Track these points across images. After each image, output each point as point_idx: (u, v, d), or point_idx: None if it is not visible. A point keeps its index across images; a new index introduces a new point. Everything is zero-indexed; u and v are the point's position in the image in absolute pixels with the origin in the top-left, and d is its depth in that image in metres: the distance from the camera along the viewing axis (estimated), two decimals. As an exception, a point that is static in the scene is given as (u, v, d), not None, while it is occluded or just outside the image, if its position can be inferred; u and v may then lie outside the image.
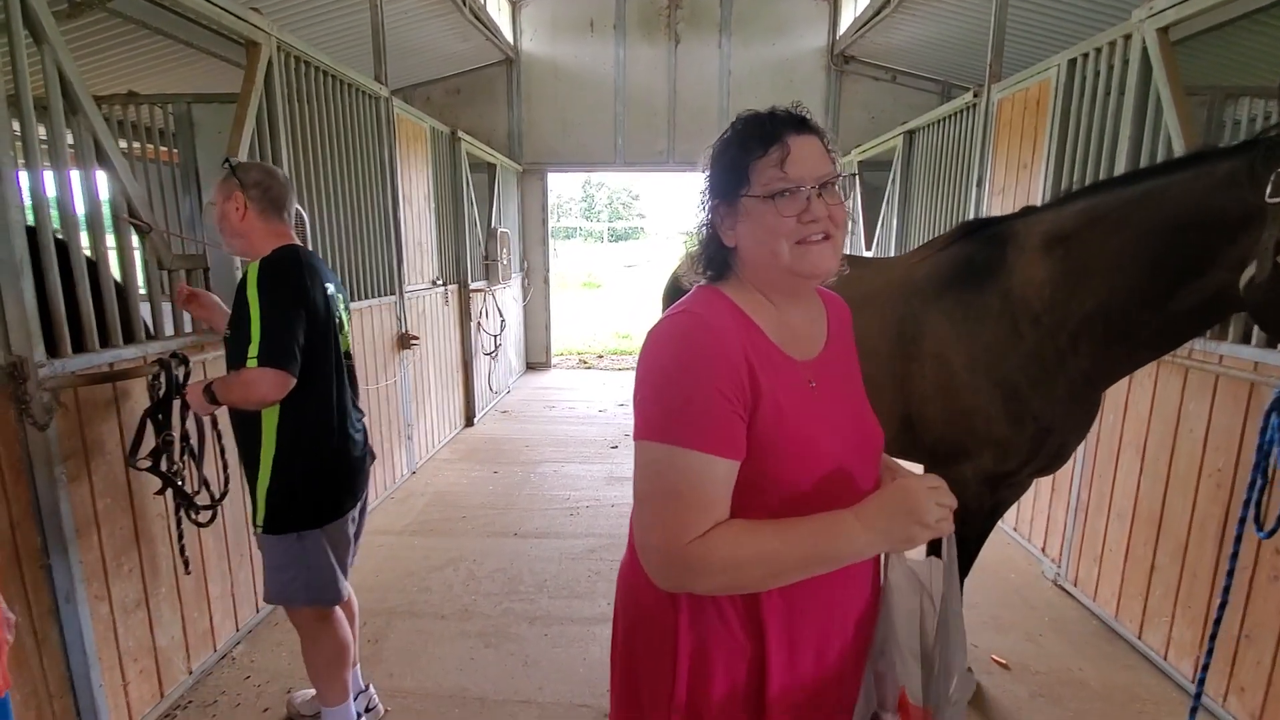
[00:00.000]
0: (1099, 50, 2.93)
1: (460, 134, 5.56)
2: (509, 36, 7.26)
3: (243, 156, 2.68)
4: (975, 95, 4.03)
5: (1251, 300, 1.31)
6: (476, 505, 4.06)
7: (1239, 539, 1.90)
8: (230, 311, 1.78)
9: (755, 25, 7.30)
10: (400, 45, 5.79)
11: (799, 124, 0.92)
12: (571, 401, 6.78)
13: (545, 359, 8.48)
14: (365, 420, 2.08)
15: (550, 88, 7.55)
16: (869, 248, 6.12)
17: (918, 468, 1.79)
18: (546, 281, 8.28)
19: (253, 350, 1.66)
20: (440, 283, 5.25)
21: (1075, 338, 1.67)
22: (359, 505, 2.02)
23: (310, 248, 3.13)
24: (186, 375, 2.05)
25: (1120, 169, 2.78)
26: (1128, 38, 2.72)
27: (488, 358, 6.29)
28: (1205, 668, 1.72)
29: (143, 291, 2.40)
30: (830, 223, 0.90)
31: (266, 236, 1.84)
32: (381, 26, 4.26)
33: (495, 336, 6.46)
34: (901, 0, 5.46)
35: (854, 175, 6.31)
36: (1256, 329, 2.14)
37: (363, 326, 3.87)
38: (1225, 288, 1.37)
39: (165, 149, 4.10)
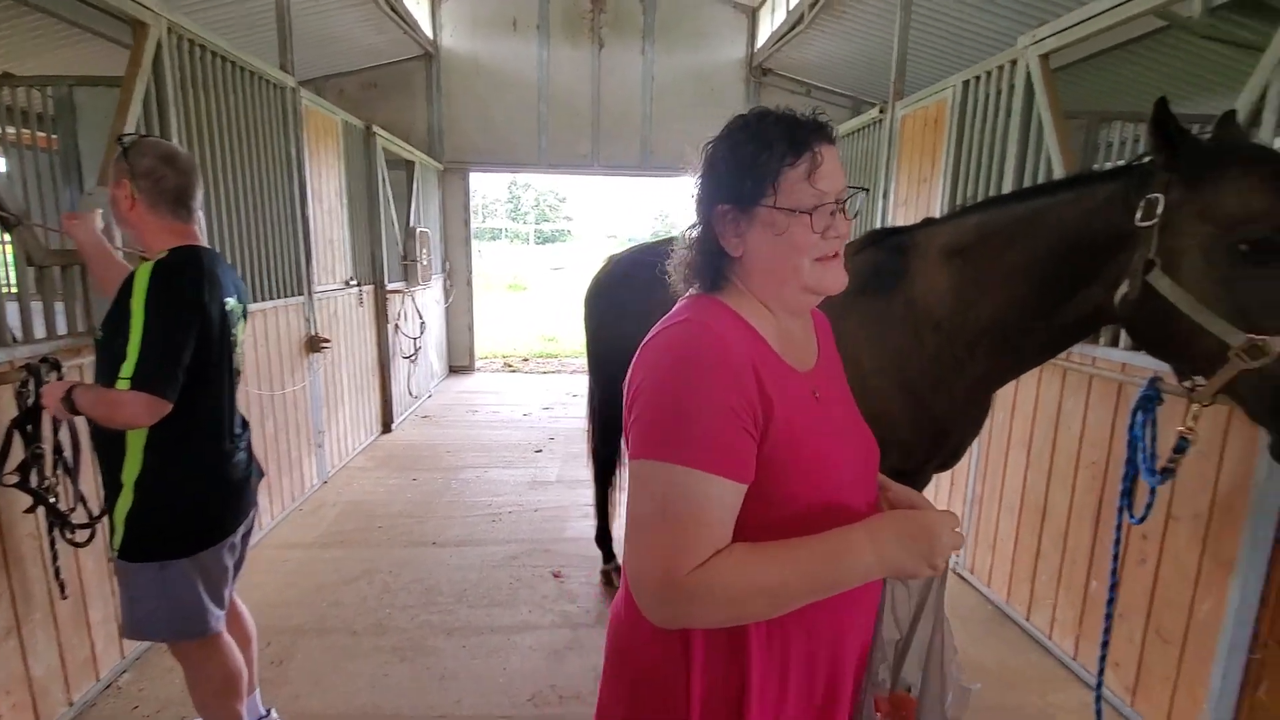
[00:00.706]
0: (989, 73, 3.15)
1: (375, 129, 5.36)
2: (428, 31, 7.06)
3: (128, 145, 2.47)
4: (881, 111, 4.25)
5: (1124, 316, 1.42)
6: (393, 514, 3.92)
7: (1119, 526, 2.09)
8: (113, 301, 1.58)
9: (677, 33, 7.41)
10: (310, 34, 5.53)
11: (826, 133, 0.88)
12: (495, 406, 6.66)
13: (469, 362, 8.29)
14: (250, 435, 1.90)
15: (472, 85, 7.40)
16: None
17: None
18: (470, 283, 8.10)
19: (126, 369, 1.47)
20: (354, 283, 5.03)
21: (972, 345, 1.77)
22: (242, 530, 1.84)
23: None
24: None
25: (1008, 185, 3.00)
26: (1014, 63, 2.94)
27: (407, 361, 6.09)
28: (1103, 657, 1.87)
29: (12, 290, 2.19)
30: (841, 240, 0.89)
31: (159, 233, 1.63)
32: (288, 12, 4.06)
33: (415, 339, 6.25)
34: (814, 18, 5.69)
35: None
36: (1124, 332, 2.36)
37: (266, 329, 3.66)
38: (1104, 303, 1.47)
39: (44, 135, 3.75)
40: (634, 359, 0.88)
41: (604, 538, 3.25)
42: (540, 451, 5.17)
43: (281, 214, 3.89)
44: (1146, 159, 1.41)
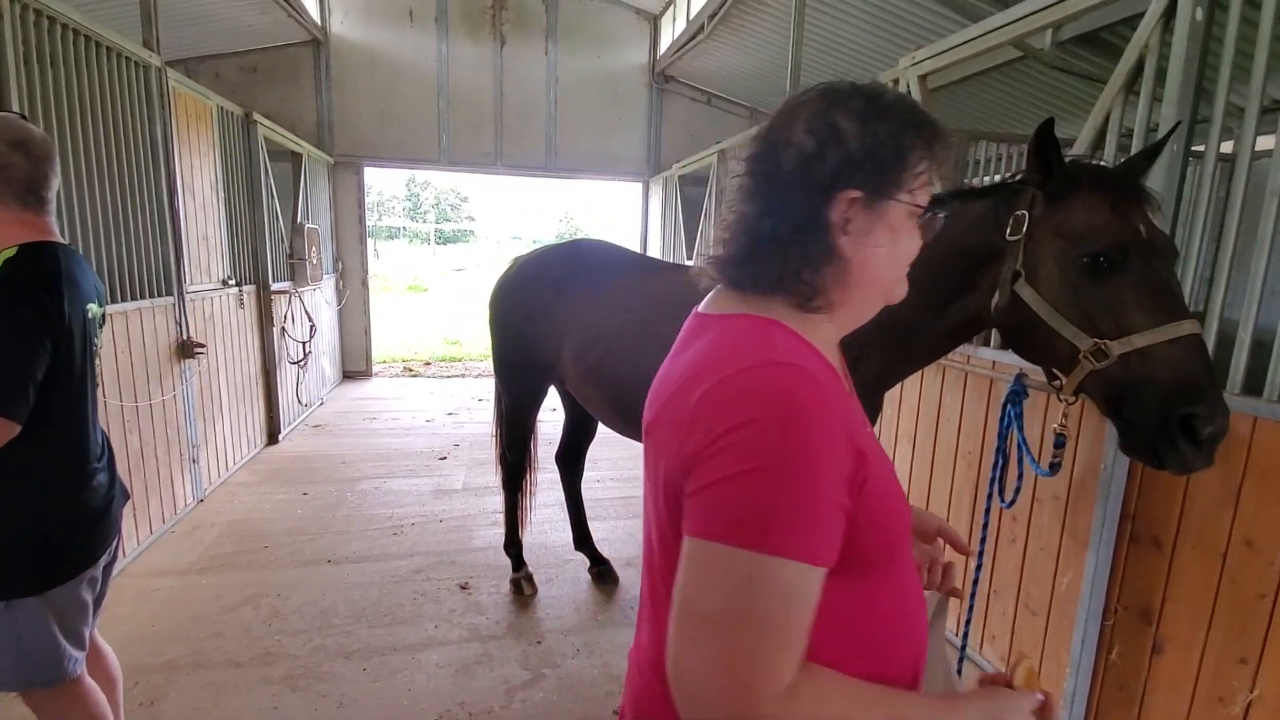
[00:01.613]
0: (877, 91, 3.36)
1: (256, 116, 4.98)
2: (315, 16, 6.66)
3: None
4: (780, 111, 4.43)
5: (997, 321, 1.56)
6: (281, 532, 3.65)
7: (988, 510, 2.28)
8: None
9: (580, 35, 7.40)
10: (180, 9, 5.06)
11: (944, 133, 0.77)
12: (395, 412, 6.36)
13: (365, 367, 7.87)
14: (112, 454, 1.70)
15: (366, 76, 7.05)
16: (689, 257, 6.46)
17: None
18: (365, 284, 7.70)
19: None
20: (233, 283, 4.66)
21: (867, 345, 1.88)
22: (103, 561, 1.62)
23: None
24: None
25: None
26: (896, 81, 3.15)
27: (295, 367, 5.70)
28: (968, 622, 2.03)
29: None
30: None
31: (6, 225, 1.42)
32: (153, -14, 3.69)
33: (304, 343, 5.86)
34: (713, 29, 5.85)
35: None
36: (994, 333, 2.58)
37: (129, 332, 3.31)
38: (981, 309, 1.60)
39: None
40: (692, 401, 0.68)
41: (513, 544, 3.18)
42: (444, 459, 4.99)
43: (146, 206, 3.54)
44: (1016, 178, 1.55)
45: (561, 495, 3.38)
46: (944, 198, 1.77)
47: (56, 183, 1.52)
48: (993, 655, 2.53)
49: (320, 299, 6.53)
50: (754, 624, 0.62)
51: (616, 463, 4.94)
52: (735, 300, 0.77)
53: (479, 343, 10.60)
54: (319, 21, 6.74)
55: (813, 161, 0.70)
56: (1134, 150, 2.01)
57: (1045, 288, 1.42)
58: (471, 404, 6.82)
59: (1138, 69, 1.98)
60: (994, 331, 2.52)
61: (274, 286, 5.24)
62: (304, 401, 5.95)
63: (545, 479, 3.79)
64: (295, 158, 6.07)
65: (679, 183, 6.76)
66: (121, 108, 3.31)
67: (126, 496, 1.72)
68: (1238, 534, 1.74)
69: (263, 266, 5.11)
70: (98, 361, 1.63)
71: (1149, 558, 1.97)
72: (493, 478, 3.37)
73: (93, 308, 1.55)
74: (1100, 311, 1.36)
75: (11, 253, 1.39)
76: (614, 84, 7.56)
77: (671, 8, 7.09)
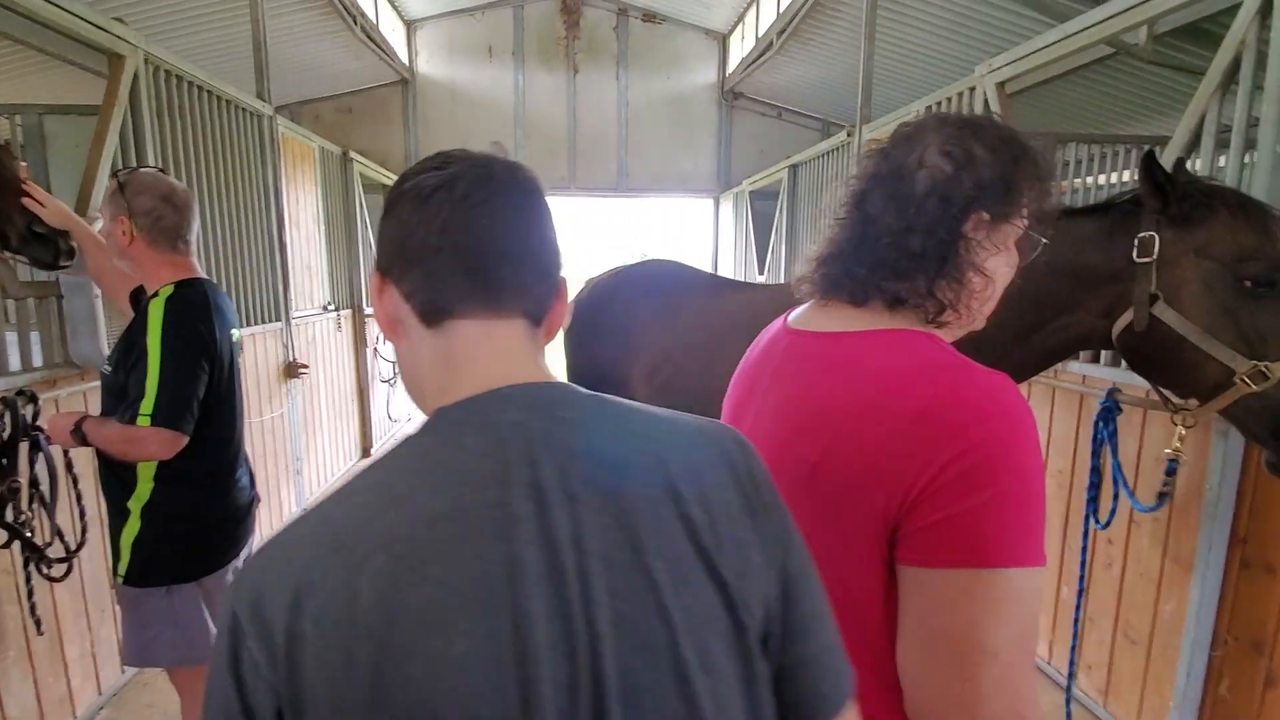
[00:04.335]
0: (950, 99, 3.29)
1: (352, 154, 5.39)
2: (404, 57, 7.13)
3: (103, 176, 2.48)
4: (849, 134, 4.39)
5: (1127, 344, 1.50)
6: (374, 540, 3.88)
7: (1086, 533, 2.17)
8: (121, 336, 1.63)
9: (651, 59, 7.57)
10: (286, 61, 5.56)
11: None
12: (475, 428, 6.61)
13: (447, 385, 8.24)
14: (251, 462, 1.95)
15: (447, 110, 7.47)
16: (761, 273, 6.44)
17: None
18: (447, 306, 8.07)
19: (146, 406, 1.51)
20: (332, 307, 5.02)
21: None
22: (243, 555, 1.87)
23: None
24: (35, 415, 1.86)
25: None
26: (973, 89, 3.08)
27: (385, 385, 6.05)
28: (1073, 649, 1.92)
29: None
30: None
31: (160, 267, 1.66)
32: (264, 42, 4.09)
33: (394, 363, 6.23)
34: (782, 45, 5.87)
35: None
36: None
37: (245, 355, 3.64)
38: (1087, 330, 1.56)
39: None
40: (901, 426, 0.65)
41: None
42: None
43: (259, 240, 3.89)
44: (1125, 198, 1.52)
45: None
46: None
47: (197, 226, 1.76)
48: (1089, 687, 2.38)
49: (408, 321, 6.91)
50: (1027, 639, 0.63)
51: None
52: (863, 316, 0.77)
53: (557, 363, 10.85)
54: (406, 62, 7.22)
55: (950, 184, 0.74)
56: (1232, 147, 1.90)
57: (1192, 310, 1.39)
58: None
59: (1235, 65, 1.88)
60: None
61: (368, 311, 5.60)
62: (393, 418, 6.31)
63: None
64: (386, 190, 6.48)
65: (749, 198, 6.77)
66: (238, 153, 3.67)
67: (259, 500, 1.96)
68: (1367, 561, 1.59)
69: (357, 292, 5.48)
70: (241, 379, 1.86)
71: (1262, 584, 1.82)
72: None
73: (235, 333, 1.79)
74: (1258, 333, 1.34)
75: (170, 291, 1.62)
76: (683, 103, 7.68)
77: (740, 26, 7.15)
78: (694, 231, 8.70)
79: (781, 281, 3.00)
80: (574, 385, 0.62)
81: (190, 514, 1.69)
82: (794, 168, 5.54)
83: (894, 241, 0.75)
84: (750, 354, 0.92)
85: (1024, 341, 1.67)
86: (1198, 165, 1.95)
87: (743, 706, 0.54)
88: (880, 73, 4.95)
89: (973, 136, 0.76)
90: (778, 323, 0.91)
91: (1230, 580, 1.89)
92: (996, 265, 0.77)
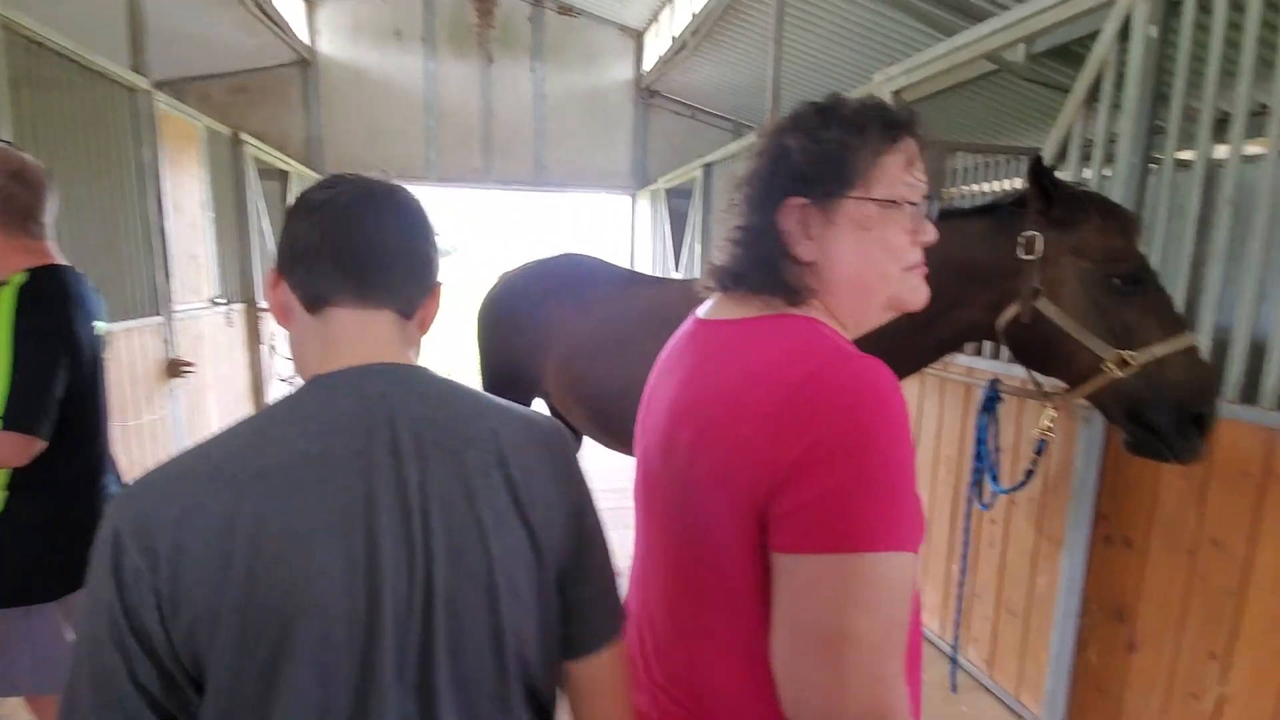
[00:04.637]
0: (853, 105, 3.43)
1: (244, 136, 5.03)
2: (304, 36, 6.73)
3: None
4: (759, 135, 4.50)
5: (1011, 336, 1.62)
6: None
7: (969, 515, 2.32)
8: None
9: (567, 53, 7.50)
10: (169, 33, 5.10)
11: (918, 125, 0.77)
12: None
13: (353, 383, 7.86)
14: (119, 469, 1.78)
15: (354, 95, 7.11)
16: (677, 270, 6.53)
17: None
18: (353, 300, 7.71)
19: None
20: (222, 301, 4.67)
21: None
22: None
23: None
24: None
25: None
26: (871, 96, 3.23)
27: (285, 385, 5.70)
28: (956, 624, 2.05)
29: None
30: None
31: (11, 252, 1.48)
32: (141, 9, 3.74)
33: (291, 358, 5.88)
34: (697, 45, 5.96)
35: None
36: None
37: (118, 352, 3.32)
38: (976, 322, 1.67)
39: None
40: (773, 408, 0.65)
41: None
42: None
43: (134, 226, 3.56)
44: (1009, 200, 1.63)
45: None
46: (934, 211, 1.83)
47: (55, 207, 1.58)
48: (976, 658, 2.56)
49: (310, 316, 6.54)
50: (894, 628, 0.61)
51: (604, 473, 4.95)
52: (753, 303, 0.77)
53: (468, 357, 10.59)
54: (307, 42, 6.81)
55: (764, 175, 0.77)
56: (1095, 159, 2.08)
57: (1069, 304, 1.52)
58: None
59: (1097, 83, 2.05)
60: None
61: (263, 304, 5.26)
62: (294, 418, 5.95)
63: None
64: (283, 176, 6.11)
65: (665, 196, 6.84)
66: (110, 130, 3.34)
67: None
68: (1205, 532, 1.79)
69: (251, 284, 5.13)
70: (106, 377, 1.69)
71: (1121, 557, 2.01)
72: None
73: (99, 325, 1.62)
74: (1122, 326, 1.49)
75: (22, 278, 1.44)
76: (600, 98, 7.66)
77: (655, 24, 7.20)
78: (612, 228, 8.70)
79: (694, 276, 3.06)
80: (430, 370, 0.75)
81: (48, 526, 1.52)
82: (708, 166, 5.64)
83: (733, 237, 0.79)
84: (668, 345, 0.93)
85: (923, 331, 1.77)
86: (1065, 176, 2.13)
87: (535, 627, 0.71)
88: (788, 77, 5.12)
89: (793, 129, 0.76)
90: (693, 314, 0.92)
91: (1095, 555, 2.08)
92: (840, 246, 0.74)
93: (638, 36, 7.62)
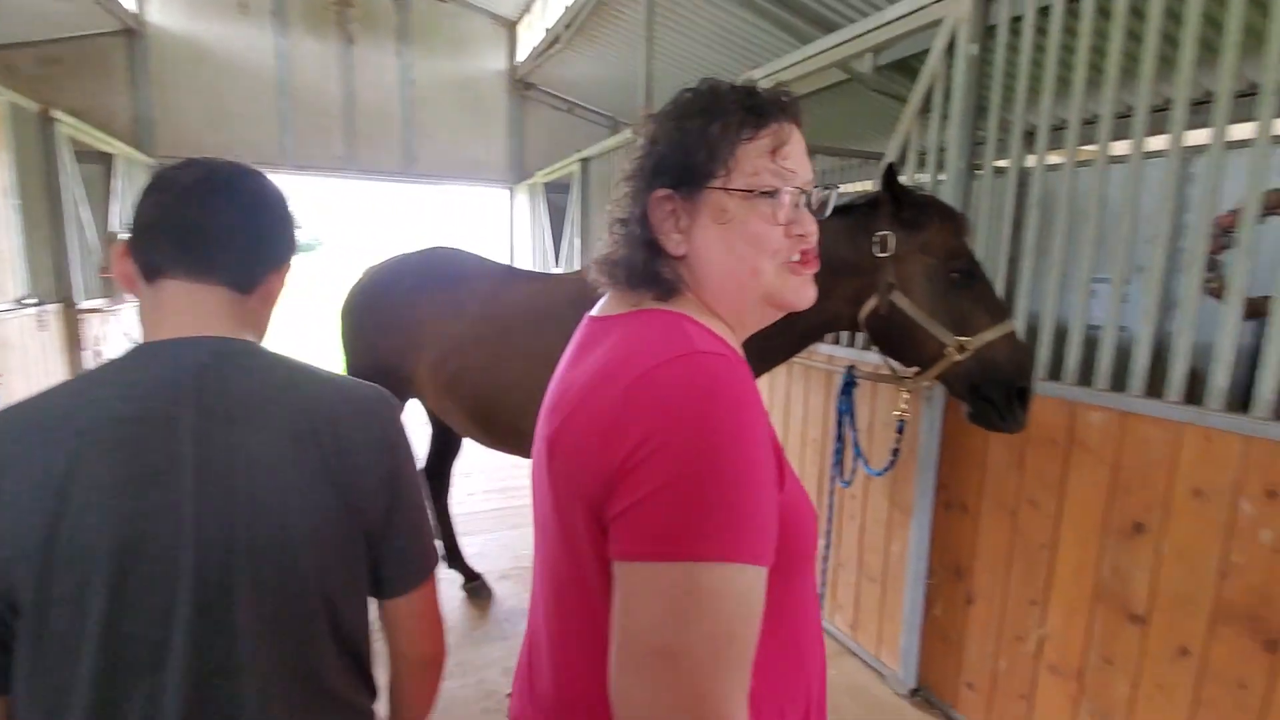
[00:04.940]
0: (722, 106, 3.57)
1: (56, 114, 4.39)
2: (129, 3, 5.98)
3: None
4: (634, 133, 4.56)
5: (870, 326, 1.78)
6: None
7: (832, 491, 2.49)
8: None
9: (435, 38, 7.19)
10: (-52, -12, 4.36)
11: (793, 110, 0.73)
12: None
13: (202, 391, 7.13)
14: None
15: (192, 71, 6.41)
16: (557, 265, 6.48)
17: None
18: (199, 299, 6.97)
19: None
20: (32, 301, 4.07)
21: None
22: None
23: None
24: None
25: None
26: (747, 82, 3.37)
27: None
28: (820, 596, 2.21)
29: None
30: (813, 246, 0.74)
31: None
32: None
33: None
34: (570, 40, 5.93)
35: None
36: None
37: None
38: (838, 313, 1.81)
39: None
40: (610, 403, 0.62)
41: (454, 556, 3.16)
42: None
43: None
44: (862, 201, 1.79)
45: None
46: (832, 200, 1.95)
47: None
48: (842, 624, 2.77)
49: (145, 317, 5.85)
50: (725, 642, 0.56)
51: (489, 473, 4.85)
52: (631, 299, 0.74)
53: (331, 357, 9.94)
54: (133, 10, 6.05)
55: (639, 166, 0.75)
56: (930, 165, 2.30)
57: (919, 297, 1.70)
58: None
59: (929, 95, 2.27)
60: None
61: (83, 305, 4.63)
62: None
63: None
64: (107, 159, 5.41)
65: (544, 190, 6.76)
66: None
67: None
68: (1024, 494, 2.04)
69: (67, 282, 4.50)
70: None
71: (959, 521, 2.25)
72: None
73: None
74: (960, 315, 1.68)
75: None
76: (474, 88, 7.42)
77: (528, 16, 7.08)
78: (490, 222, 8.48)
79: (572, 271, 3.04)
80: (262, 346, 0.83)
81: None
82: (585, 161, 5.64)
83: (613, 229, 0.77)
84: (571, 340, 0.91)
85: (790, 323, 1.89)
86: (905, 181, 2.34)
87: (340, 573, 0.80)
88: (660, 76, 5.21)
89: (668, 112, 0.74)
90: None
91: (938, 520, 2.31)
92: (709, 240, 0.71)
93: (511, 26, 7.46)
